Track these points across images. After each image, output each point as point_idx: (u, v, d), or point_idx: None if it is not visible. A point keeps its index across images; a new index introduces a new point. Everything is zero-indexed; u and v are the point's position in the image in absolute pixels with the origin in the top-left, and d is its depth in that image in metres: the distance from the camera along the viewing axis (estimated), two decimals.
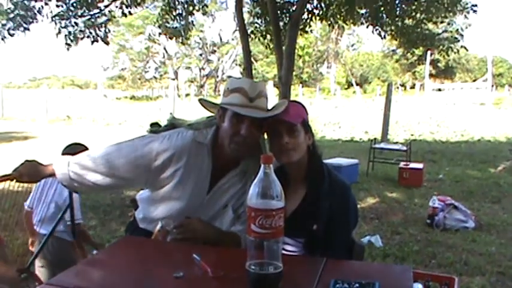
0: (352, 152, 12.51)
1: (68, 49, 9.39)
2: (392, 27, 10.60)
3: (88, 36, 9.33)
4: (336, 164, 9.65)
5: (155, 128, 3.74)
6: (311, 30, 11.27)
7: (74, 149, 4.09)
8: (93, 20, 9.33)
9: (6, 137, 18.02)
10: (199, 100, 2.75)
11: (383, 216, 7.65)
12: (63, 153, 4.06)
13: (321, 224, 2.49)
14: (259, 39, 11.04)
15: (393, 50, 62.91)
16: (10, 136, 18.47)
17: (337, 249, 2.47)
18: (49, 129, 21.40)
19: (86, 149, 4.06)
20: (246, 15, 11.43)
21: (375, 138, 12.14)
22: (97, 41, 9.42)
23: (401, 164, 10.17)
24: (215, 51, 69.35)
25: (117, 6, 9.93)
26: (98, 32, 9.40)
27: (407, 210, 7.99)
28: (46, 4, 9.18)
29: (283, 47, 8.91)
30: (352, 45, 73.60)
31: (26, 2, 8.99)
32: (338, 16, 10.54)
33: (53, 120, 25.85)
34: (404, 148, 11.20)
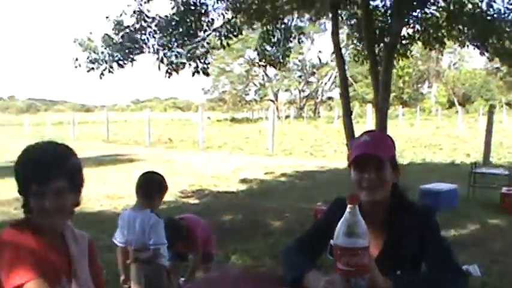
0: (452, 176, 12.23)
1: (168, 77, 9.82)
2: (498, 48, 10.24)
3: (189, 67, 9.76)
4: (435, 189, 9.58)
5: None
6: (411, 55, 11.11)
7: (150, 178, 4.37)
8: (192, 52, 9.70)
9: (112, 160, 18.94)
10: None
11: (482, 243, 7.47)
12: (139, 184, 4.31)
13: (406, 268, 2.38)
14: (362, 62, 11.02)
15: (497, 68, 60.91)
16: (115, 159, 19.38)
17: (445, 272, 2.30)
18: (152, 152, 22.20)
19: (162, 177, 4.35)
20: (343, 36, 11.48)
21: (476, 162, 11.85)
22: (198, 73, 9.80)
23: (504, 189, 9.89)
24: (314, 73, 69.65)
25: (216, 36, 10.30)
26: (198, 63, 9.78)
27: (509, 238, 7.77)
28: (153, 37, 9.69)
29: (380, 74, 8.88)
30: (454, 64, 71.97)
31: (132, 34, 9.53)
32: (438, 39, 10.33)
33: (155, 143, 26.81)
34: (507, 172, 10.88)
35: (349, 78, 60.04)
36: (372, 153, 2.38)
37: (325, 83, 70.34)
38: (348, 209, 1.92)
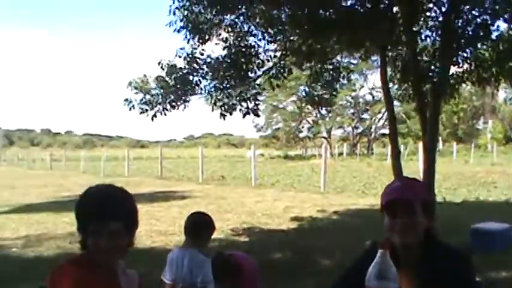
0: (506, 215, 12.01)
1: (223, 119, 9.99)
2: None
3: (240, 110, 9.90)
4: (487, 228, 9.36)
5: None
6: (459, 95, 11.01)
7: (198, 218, 4.54)
8: (243, 94, 9.87)
9: (165, 196, 19.26)
10: None
11: None
12: (188, 224, 4.48)
13: None
14: (407, 101, 11.03)
15: None
16: (168, 196, 19.68)
17: None
18: (204, 189, 22.44)
19: (209, 218, 4.52)
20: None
21: None
22: (248, 114, 9.96)
23: None
24: (367, 109, 69.29)
25: (266, 74, 10.51)
26: (248, 104, 9.94)
27: None
28: (204, 78, 9.94)
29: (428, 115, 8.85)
30: (510, 99, 70.51)
31: (184, 76, 9.78)
32: (487, 78, 10.21)
33: (208, 180, 27.17)
34: None
35: (403, 115, 59.68)
36: (402, 197, 2.41)
37: (379, 120, 69.90)
38: (378, 253, 2.03)
